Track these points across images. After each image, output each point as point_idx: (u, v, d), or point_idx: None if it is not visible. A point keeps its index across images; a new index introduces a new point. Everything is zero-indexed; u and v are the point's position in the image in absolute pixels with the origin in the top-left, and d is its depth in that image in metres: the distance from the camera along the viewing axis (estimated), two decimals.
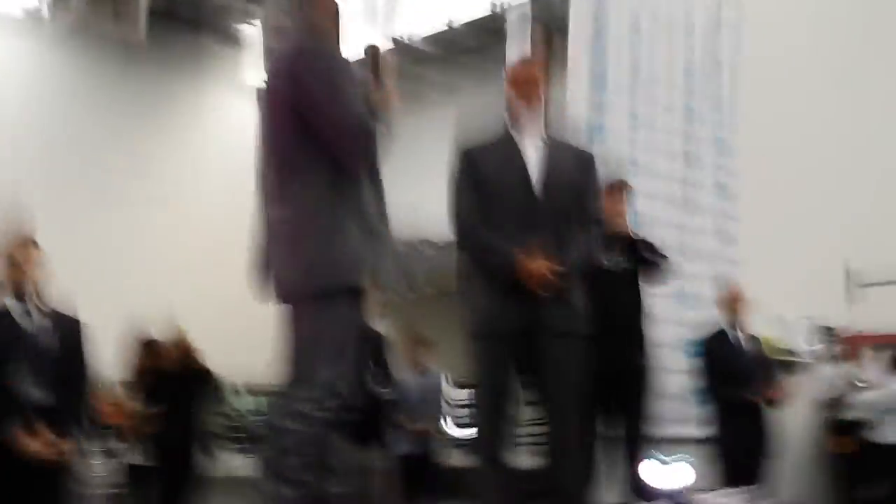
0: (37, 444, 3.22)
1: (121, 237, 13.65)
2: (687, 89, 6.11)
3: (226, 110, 15.16)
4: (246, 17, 12.99)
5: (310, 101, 2.57)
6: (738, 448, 4.99)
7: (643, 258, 4.50)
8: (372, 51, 2.79)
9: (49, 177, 13.18)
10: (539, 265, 3.10)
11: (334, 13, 2.75)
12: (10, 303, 3.40)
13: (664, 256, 4.61)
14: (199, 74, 14.95)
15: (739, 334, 5.29)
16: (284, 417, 2.51)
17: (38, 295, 3.43)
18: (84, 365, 3.55)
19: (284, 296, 2.61)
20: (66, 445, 3.29)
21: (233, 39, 13.85)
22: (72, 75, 13.69)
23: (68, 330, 3.48)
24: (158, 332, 5.48)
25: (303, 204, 2.58)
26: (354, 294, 2.58)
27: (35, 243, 3.48)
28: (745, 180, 6.30)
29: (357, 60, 2.77)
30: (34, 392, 3.26)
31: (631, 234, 4.59)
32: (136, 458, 5.55)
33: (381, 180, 2.73)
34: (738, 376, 5.10)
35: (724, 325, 5.31)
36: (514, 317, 3.13)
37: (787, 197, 6.76)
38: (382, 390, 4.71)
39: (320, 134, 2.57)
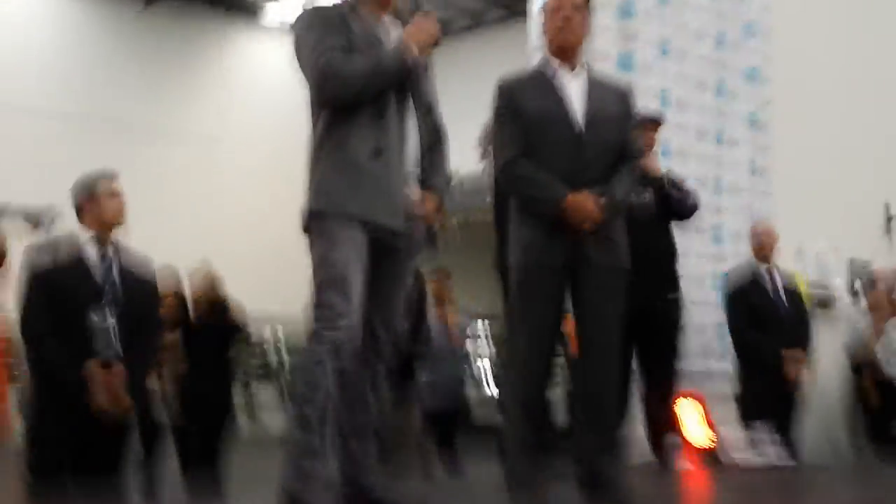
0: (109, 375, 3.25)
1: (154, 177, 13.74)
2: (718, 15, 5.91)
3: (251, 51, 15.06)
4: None
5: (297, 62, 2.75)
6: (764, 384, 4.95)
7: (669, 195, 4.43)
8: None
9: (73, 112, 13.23)
10: (584, 200, 3.06)
11: None
12: (90, 251, 3.41)
13: (690, 193, 4.53)
14: (225, 16, 14.83)
15: (773, 270, 5.19)
16: (307, 342, 2.63)
17: (117, 245, 3.47)
18: (155, 325, 3.65)
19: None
20: (129, 400, 3.32)
21: None
22: (93, 13, 13.61)
23: (140, 272, 3.52)
24: (191, 280, 5.40)
25: (310, 146, 2.74)
26: (339, 218, 2.63)
27: (117, 178, 3.53)
28: (779, 111, 6.12)
29: None
30: (103, 343, 3.28)
31: (657, 170, 4.50)
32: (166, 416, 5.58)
33: (389, 115, 2.72)
34: (765, 317, 5.02)
35: (754, 260, 5.22)
36: (559, 248, 3.11)
37: (823, 128, 6.58)
38: (409, 326, 4.70)
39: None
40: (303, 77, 2.73)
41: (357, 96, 2.66)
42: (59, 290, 3.29)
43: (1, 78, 12.59)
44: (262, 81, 14.22)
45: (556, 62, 3.25)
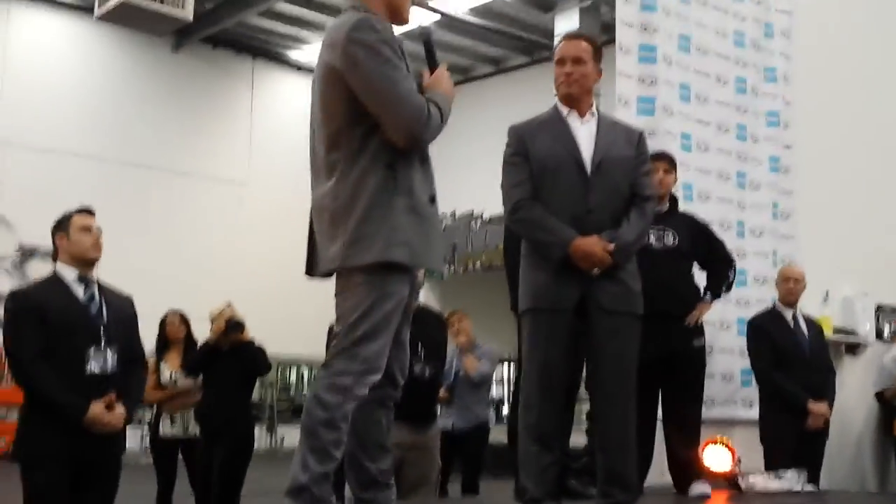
0: (111, 416, 3.26)
1: (181, 218, 13.92)
2: (737, 61, 5.94)
3: (277, 94, 15.29)
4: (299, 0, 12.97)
5: (362, 79, 2.55)
6: (789, 430, 4.88)
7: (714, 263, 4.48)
8: (423, 34, 2.82)
9: (104, 154, 13.46)
10: (591, 243, 3.07)
11: None
12: (68, 274, 3.36)
13: (729, 278, 4.55)
14: (252, 59, 15.11)
15: (796, 315, 5.14)
16: (324, 390, 2.54)
17: (92, 269, 3.43)
18: (138, 339, 3.58)
19: (329, 270, 2.64)
20: (126, 415, 3.35)
21: (286, 19, 13.88)
22: (124, 58, 13.90)
23: (121, 304, 3.48)
24: (211, 308, 5.49)
25: (350, 178, 2.56)
26: (398, 271, 2.58)
27: (93, 216, 3.48)
28: (801, 154, 6.11)
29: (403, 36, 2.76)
30: (97, 363, 3.28)
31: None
32: (175, 431, 5.62)
33: (429, 161, 2.73)
34: (790, 359, 4.97)
35: (778, 304, 5.18)
36: (568, 293, 3.12)
37: (847, 171, 6.53)
38: (429, 368, 4.72)
39: (376, 113, 2.56)
40: (365, 99, 2.54)
41: (430, 143, 2.66)
42: (55, 327, 3.23)
43: (33, 120, 12.87)
44: (287, 124, 14.42)
45: (565, 109, 3.32)
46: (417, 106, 2.54)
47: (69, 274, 3.36)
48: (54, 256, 3.45)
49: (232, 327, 5.22)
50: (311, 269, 2.73)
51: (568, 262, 3.10)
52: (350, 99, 2.56)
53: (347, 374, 2.52)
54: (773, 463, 4.83)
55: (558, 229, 3.12)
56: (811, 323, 5.20)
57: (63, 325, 3.26)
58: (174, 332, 5.73)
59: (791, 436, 4.87)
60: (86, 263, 3.39)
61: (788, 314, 5.11)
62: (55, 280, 3.38)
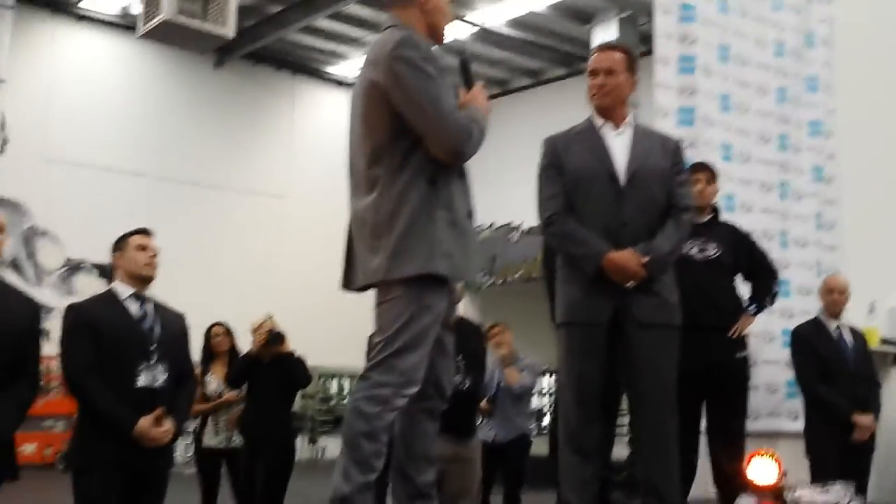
0: (158, 430, 3.32)
1: (223, 232, 14.10)
2: (779, 71, 5.90)
3: (317, 109, 15.45)
4: (338, 17, 13.09)
5: (406, 95, 2.60)
6: (834, 443, 4.80)
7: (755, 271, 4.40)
8: (460, 52, 2.88)
9: (147, 170, 13.68)
10: (625, 257, 3.05)
11: (433, 9, 2.79)
12: (123, 290, 3.44)
13: (774, 291, 4.48)
14: (292, 75, 15.27)
15: (840, 326, 5.06)
16: (363, 401, 2.56)
17: (146, 287, 3.51)
18: (188, 356, 3.67)
19: (369, 282, 2.66)
20: (175, 430, 3.41)
21: (326, 35, 14.02)
22: (167, 75, 14.13)
23: (174, 321, 3.56)
24: (252, 320, 5.55)
25: (393, 192, 2.60)
26: (437, 283, 2.60)
27: (150, 236, 3.57)
28: (845, 163, 6.04)
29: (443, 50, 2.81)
30: (147, 377, 3.34)
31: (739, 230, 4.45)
32: (219, 442, 5.66)
33: (466, 176, 2.77)
34: (834, 371, 4.89)
35: (822, 315, 5.11)
36: (602, 306, 3.11)
37: (891, 179, 6.44)
38: (468, 380, 4.73)
39: (419, 129, 2.60)
40: (408, 115, 2.59)
41: (471, 158, 2.69)
42: (106, 341, 3.31)
43: (78, 138, 13.13)
44: (326, 139, 14.56)
45: (600, 120, 3.31)
46: (460, 122, 2.59)
47: (124, 291, 3.45)
48: (111, 274, 3.54)
49: (273, 339, 5.28)
50: (348, 283, 2.76)
51: (602, 276, 3.08)
52: (393, 115, 2.61)
53: (386, 386, 2.55)
54: (819, 476, 4.74)
55: (591, 242, 3.11)
56: (856, 334, 5.11)
57: (115, 339, 3.34)
58: (219, 344, 5.80)
59: (837, 448, 4.78)
60: (141, 281, 3.48)
61: (832, 325, 5.03)
62: (110, 296, 3.47)
